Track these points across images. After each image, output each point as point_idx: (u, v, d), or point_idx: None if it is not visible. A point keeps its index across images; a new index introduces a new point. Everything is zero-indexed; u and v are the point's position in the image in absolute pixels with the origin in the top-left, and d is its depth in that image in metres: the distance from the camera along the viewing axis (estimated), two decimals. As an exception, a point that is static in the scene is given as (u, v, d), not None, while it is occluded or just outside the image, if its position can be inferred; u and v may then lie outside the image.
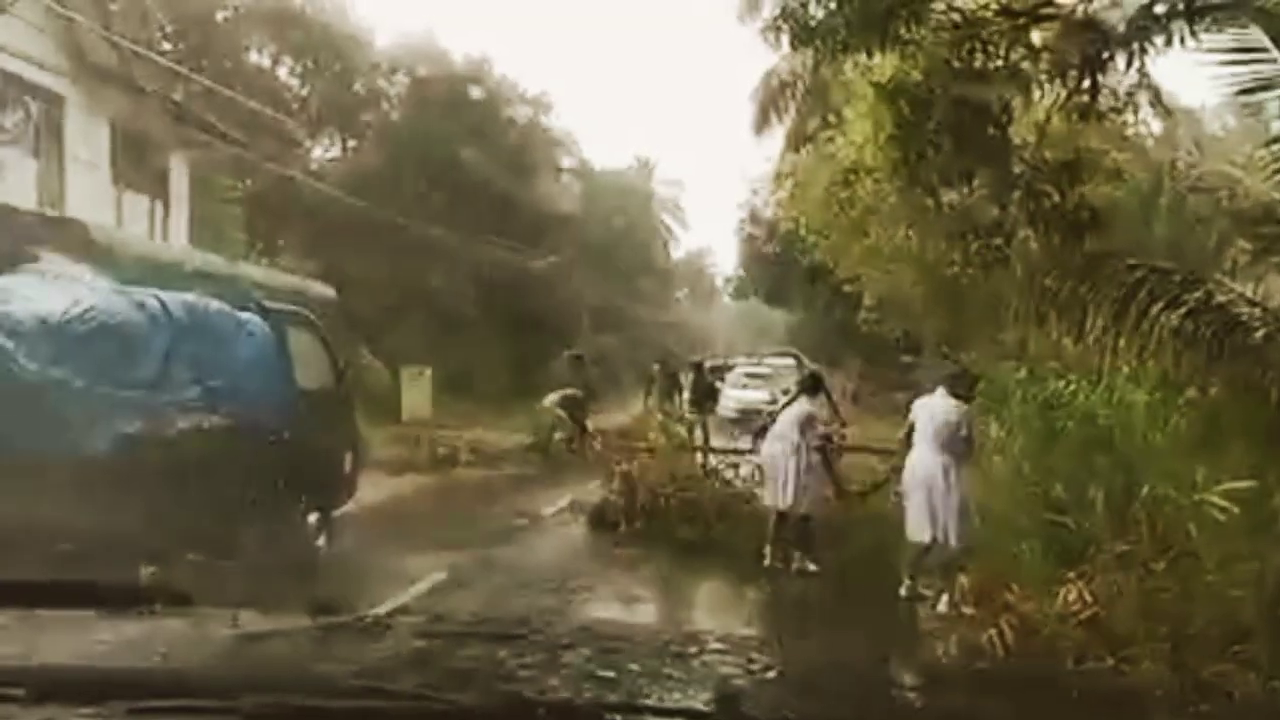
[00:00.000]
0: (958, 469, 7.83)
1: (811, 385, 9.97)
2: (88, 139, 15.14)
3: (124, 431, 6.42)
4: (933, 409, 8.02)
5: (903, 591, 8.00)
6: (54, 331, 6.63)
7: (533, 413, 18.43)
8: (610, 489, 10.95)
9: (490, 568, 9.20)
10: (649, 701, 1.47)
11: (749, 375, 26.24)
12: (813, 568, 9.00)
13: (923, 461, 7.91)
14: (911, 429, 8.10)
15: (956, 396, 8.07)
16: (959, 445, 7.88)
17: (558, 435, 17.48)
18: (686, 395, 18.13)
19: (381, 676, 1.54)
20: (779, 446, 9.20)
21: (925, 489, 7.82)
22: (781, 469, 9.10)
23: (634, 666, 1.71)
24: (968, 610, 6.97)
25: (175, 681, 1.42)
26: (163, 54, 20.11)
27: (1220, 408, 6.87)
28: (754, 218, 26.03)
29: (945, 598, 7.62)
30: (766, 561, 9.16)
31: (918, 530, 7.88)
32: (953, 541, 7.71)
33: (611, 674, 1.59)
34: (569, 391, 18.21)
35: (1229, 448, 6.46)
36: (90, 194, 14.96)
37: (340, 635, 1.92)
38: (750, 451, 11.23)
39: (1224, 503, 5.87)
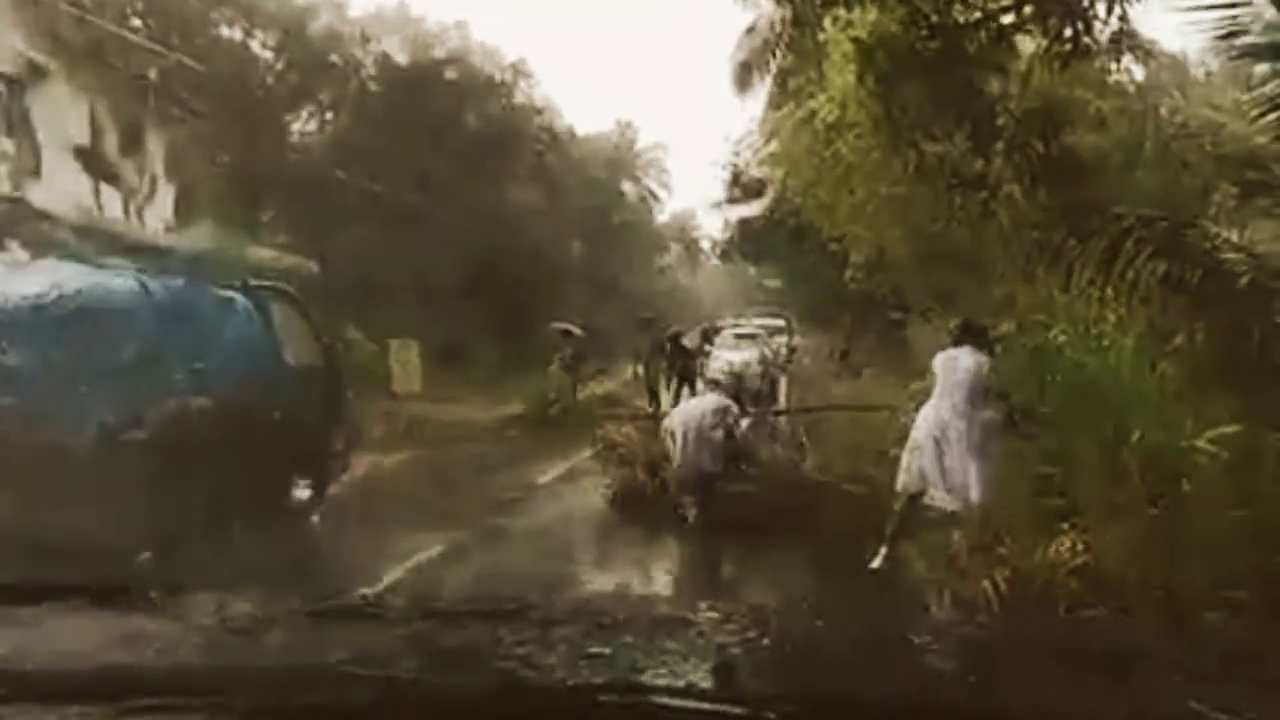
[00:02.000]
0: (979, 428, 7.37)
1: None
2: (63, 120, 14.95)
3: (108, 417, 6.38)
4: (956, 362, 7.55)
5: (876, 563, 7.52)
6: (34, 317, 6.56)
7: (527, 381, 18.54)
8: (606, 461, 11.00)
9: (486, 540, 9.21)
10: (643, 679, 1.46)
11: (737, 336, 26.26)
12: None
13: (935, 414, 7.50)
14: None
15: (979, 348, 7.62)
16: (981, 401, 7.41)
17: (553, 403, 17.62)
18: (663, 365, 18.20)
19: (376, 661, 1.53)
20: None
21: (933, 441, 7.43)
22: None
23: (629, 639, 1.71)
24: (962, 564, 6.97)
25: (167, 677, 1.40)
26: (135, 31, 19.84)
27: (1207, 353, 6.88)
28: (738, 179, 25.89)
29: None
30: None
31: (912, 481, 7.46)
32: (958, 501, 7.24)
33: (607, 650, 1.58)
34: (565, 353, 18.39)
35: (1216, 393, 6.48)
36: (67, 175, 14.80)
37: (335, 617, 1.92)
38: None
39: (1212, 448, 5.91)
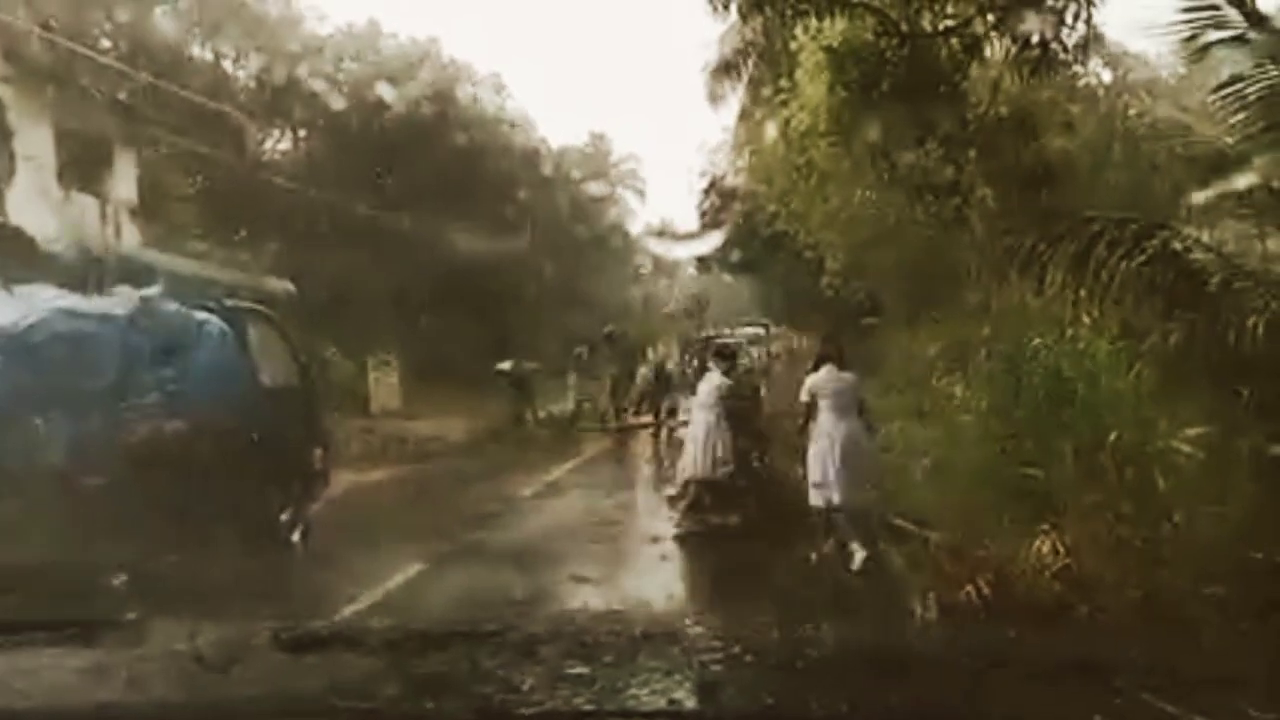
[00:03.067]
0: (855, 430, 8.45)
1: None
2: (30, 141, 14.81)
3: (84, 442, 6.31)
4: (833, 384, 8.53)
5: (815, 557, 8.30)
6: (8, 344, 6.49)
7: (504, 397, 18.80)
8: None
9: (466, 558, 9.14)
10: (626, 696, 1.45)
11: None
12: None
13: (845, 429, 8.39)
14: (814, 401, 8.51)
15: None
16: (854, 408, 8.53)
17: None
18: (642, 371, 18.65)
19: (355, 689, 1.51)
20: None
21: (856, 451, 8.36)
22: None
23: (609, 659, 1.70)
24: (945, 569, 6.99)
25: (140, 711, 1.38)
26: (103, 52, 19.71)
27: (1181, 354, 6.93)
28: (713, 188, 25.94)
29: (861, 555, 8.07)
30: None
31: (832, 494, 8.30)
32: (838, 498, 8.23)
33: (586, 670, 1.57)
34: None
35: (1191, 393, 6.53)
36: (35, 197, 14.65)
37: (313, 643, 1.89)
38: None
39: (1188, 448, 5.95)
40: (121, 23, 22.76)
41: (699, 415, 10.26)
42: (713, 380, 10.43)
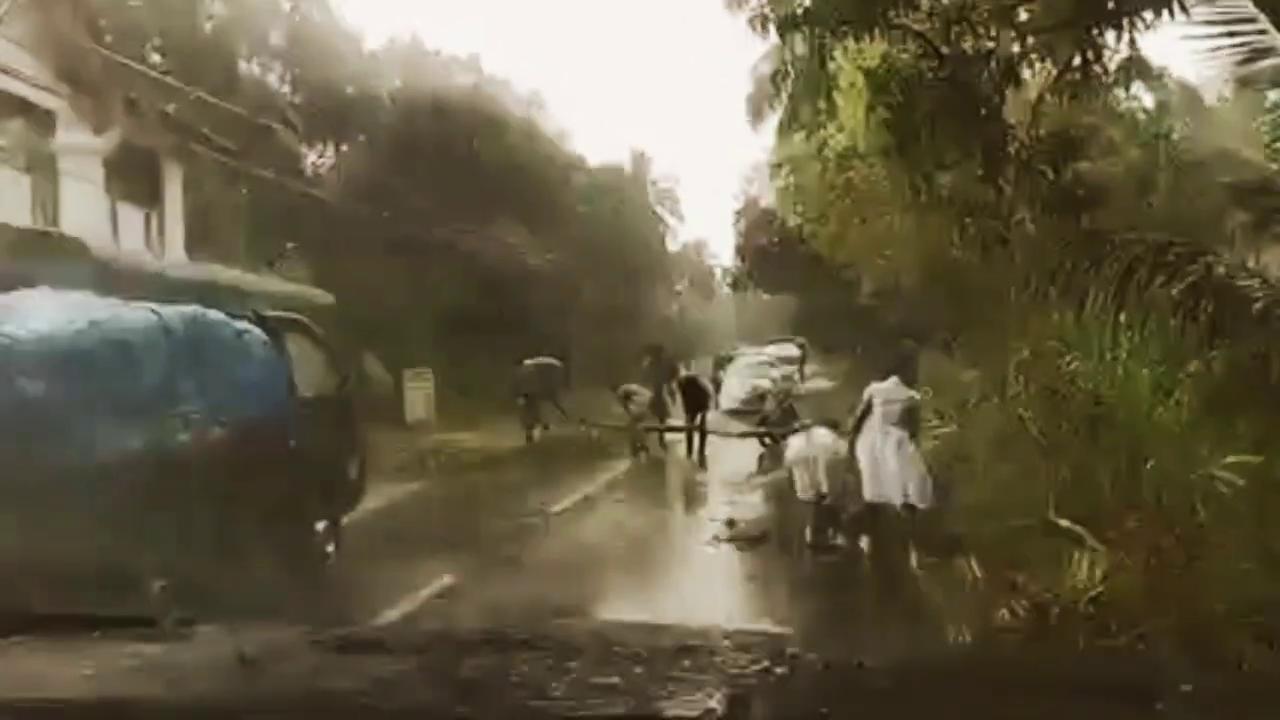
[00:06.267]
0: None
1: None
2: (80, 154, 15.10)
3: (126, 447, 6.40)
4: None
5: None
6: (54, 348, 6.59)
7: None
8: None
9: (499, 569, 9.18)
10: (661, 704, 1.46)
11: (750, 364, 26.30)
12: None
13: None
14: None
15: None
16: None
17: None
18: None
19: (389, 692, 1.53)
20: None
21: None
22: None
23: (639, 669, 1.70)
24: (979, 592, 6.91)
25: (179, 709, 1.40)
26: (153, 67, 20.08)
27: (1223, 380, 6.83)
28: (751, 208, 25.98)
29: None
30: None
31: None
32: None
33: (616, 680, 1.58)
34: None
35: (1233, 420, 6.44)
36: (85, 209, 14.92)
37: (348, 648, 1.92)
38: None
39: (1230, 476, 5.86)
40: (170, 37, 23.21)
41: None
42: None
